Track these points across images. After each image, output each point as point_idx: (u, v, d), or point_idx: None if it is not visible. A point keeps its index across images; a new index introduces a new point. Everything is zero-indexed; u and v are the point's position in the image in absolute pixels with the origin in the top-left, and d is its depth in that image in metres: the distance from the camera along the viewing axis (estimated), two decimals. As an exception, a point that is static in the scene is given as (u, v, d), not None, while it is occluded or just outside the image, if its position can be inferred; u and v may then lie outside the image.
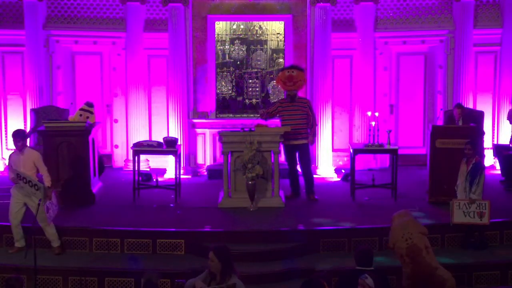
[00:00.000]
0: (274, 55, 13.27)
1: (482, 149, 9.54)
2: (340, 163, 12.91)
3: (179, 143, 11.28)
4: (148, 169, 12.43)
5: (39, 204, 8.43)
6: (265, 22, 13.20)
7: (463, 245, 9.12)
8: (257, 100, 13.31)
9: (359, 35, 12.82)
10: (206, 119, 12.94)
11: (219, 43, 13.19)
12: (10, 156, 8.98)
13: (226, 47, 13.24)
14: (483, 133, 11.49)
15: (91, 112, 10.88)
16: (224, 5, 12.92)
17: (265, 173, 10.06)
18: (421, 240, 7.30)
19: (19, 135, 8.87)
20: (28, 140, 12.04)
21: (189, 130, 12.77)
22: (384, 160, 12.87)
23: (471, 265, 8.55)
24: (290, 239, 9.04)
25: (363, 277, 6.51)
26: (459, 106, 11.52)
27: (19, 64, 12.91)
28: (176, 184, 10.62)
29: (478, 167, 9.05)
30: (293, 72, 10.72)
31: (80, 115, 10.75)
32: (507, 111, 12.70)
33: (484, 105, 12.69)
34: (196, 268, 7.84)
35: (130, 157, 12.26)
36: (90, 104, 11.04)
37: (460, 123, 11.17)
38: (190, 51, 12.81)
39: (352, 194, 10.69)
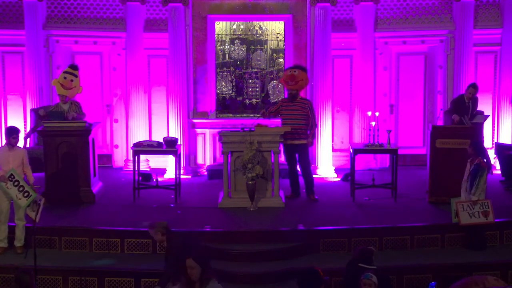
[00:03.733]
0: (274, 55, 13.26)
1: (483, 149, 9.44)
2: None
3: (179, 143, 11.27)
4: (148, 169, 12.42)
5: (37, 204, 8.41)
6: (265, 22, 13.19)
7: (464, 245, 9.13)
8: (257, 100, 13.31)
9: (359, 35, 12.81)
10: (206, 119, 12.94)
11: (219, 43, 13.18)
12: None
13: (226, 47, 13.24)
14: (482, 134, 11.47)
15: (75, 75, 10.66)
16: (224, 5, 12.92)
17: (265, 173, 10.05)
18: None
19: (15, 132, 8.84)
20: (28, 140, 12.11)
21: (189, 130, 12.76)
22: (384, 160, 12.87)
23: (471, 265, 8.55)
24: (290, 239, 9.04)
25: (368, 276, 6.49)
26: (475, 86, 11.16)
27: (19, 64, 12.90)
28: (176, 184, 10.61)
29: (478, 168, 9.03)
30: (294, 71, 10.74)
31: (65, 77, 10.59)
32: (508, 111, 12.71)
33: (484, 105, 12.65)
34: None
35: (130, 157, 12.25)
36: (74, 67, 10.84)
37: (470, 105, 11.03)
38: (190, 51, 12.80)
39: (352, 194, 10.68)
